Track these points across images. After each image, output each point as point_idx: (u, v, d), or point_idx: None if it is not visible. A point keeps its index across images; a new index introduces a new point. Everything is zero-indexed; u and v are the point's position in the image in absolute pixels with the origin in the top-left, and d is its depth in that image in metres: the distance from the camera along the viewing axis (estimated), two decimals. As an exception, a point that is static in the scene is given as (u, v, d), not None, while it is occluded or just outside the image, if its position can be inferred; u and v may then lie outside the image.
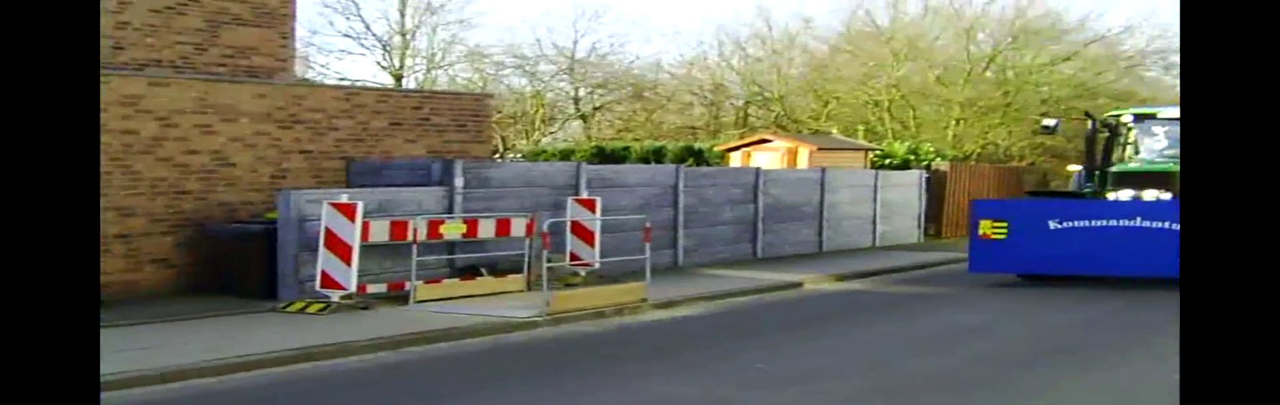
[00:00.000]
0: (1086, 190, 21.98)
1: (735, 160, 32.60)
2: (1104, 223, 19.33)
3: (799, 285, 20.14)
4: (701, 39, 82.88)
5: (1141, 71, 53.82)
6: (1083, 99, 44.35)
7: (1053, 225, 19.47)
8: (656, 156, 34.28)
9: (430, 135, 20.64)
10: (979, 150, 45.09)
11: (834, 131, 40.23)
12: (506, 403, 10.17)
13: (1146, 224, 18.98)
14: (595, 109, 51.12)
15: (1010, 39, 47.82)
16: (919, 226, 30.89)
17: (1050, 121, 23.72)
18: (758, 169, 26.06)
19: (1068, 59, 47.77)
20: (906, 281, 21.44)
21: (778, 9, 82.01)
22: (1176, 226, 18.22)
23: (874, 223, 29.06)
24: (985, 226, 19.81)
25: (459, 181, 18.09)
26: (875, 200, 29.04)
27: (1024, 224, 19.65)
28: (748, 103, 51.20)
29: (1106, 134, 22.46)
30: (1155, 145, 22.14)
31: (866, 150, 35.00)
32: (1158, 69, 54.61)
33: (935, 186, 31.98)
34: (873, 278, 21.96)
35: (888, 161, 34.56)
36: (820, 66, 49.79)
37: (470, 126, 21.43)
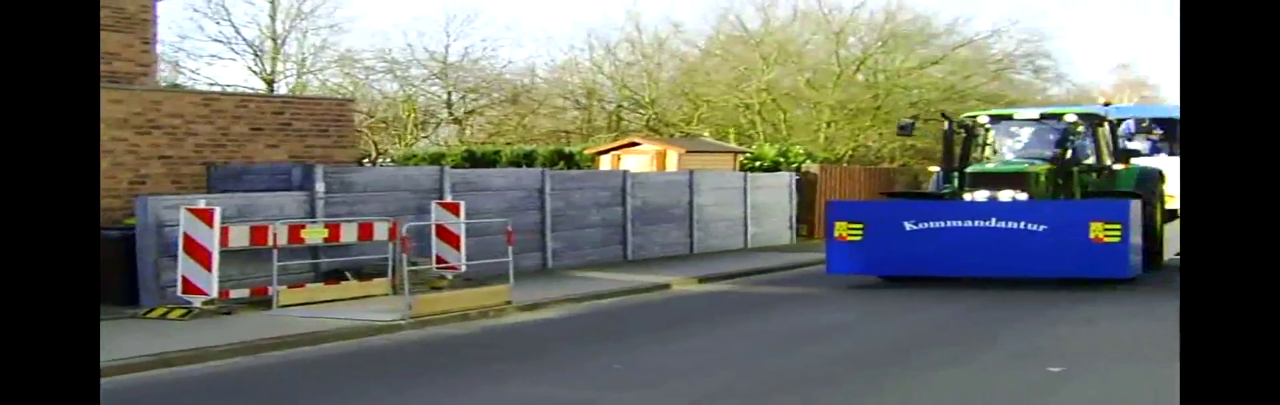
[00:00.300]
0: (945, 191, 21.85)
1: (605, 164, 32.63)
2: (959, 223, 19.22)
3: (666, 287, 20.24)
4: (572, 43, 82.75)
5: (1011, 75, 54.61)
6: (952, 101, 44.79)
7: (908, 226, 19.34)
8: (527, 160, 34.35)
9: (292, 140, 20.51)
10: (850, 152, 45.45)
11: (705, 135, 40.42)
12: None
13: (1001, 224, 18.92)
14: (468, 113, 51.03)
15: (880, 43, 48.26)
16: (790, 228, 31.14)
17: (905, 122, 23.88)
18: (625, 172, 26.13)
19: (936, 62, 48.32)
20: (773, 282, 21.57)
21: (648, 13, 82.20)
22: (1031, 227, 18.70)
23: (745, 224, 29.25)
24: (841, 228, 19.66)
25: (320, 186, 18.01)
26: (745, 202, 29.24)
27: (879, 225, 19.56)
28: (619, 106, 51.31)
29: (963, 135, 22.54)
30: (1012, 146, 22.21)
31: (736, 153, 35.15)
32: (1027, 72, 55.52)
33: (805, 188, 32.23)
34: (740, 279, 22.12)
35: (758, 164, 34.74)
36: (691, 70, 49.99)
37: (333, 131, 21.33)
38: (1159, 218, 22.48)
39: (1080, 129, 21.98)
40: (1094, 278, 18.91)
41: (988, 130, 22.54)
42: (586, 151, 34.66)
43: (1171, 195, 25.13)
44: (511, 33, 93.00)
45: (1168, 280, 20.11)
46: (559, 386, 10.90)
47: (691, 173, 27.78)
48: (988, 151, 22.48)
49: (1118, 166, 22.27)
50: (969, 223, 19.18)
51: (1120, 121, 24.55)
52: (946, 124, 22.67)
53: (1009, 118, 22.61)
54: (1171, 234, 23.82)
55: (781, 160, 35.19)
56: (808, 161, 35.17)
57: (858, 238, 19.56)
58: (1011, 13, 78.14)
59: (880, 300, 18.48)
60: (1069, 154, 21.79)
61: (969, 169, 21.38)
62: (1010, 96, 48.99)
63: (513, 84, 51.55)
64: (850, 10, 48.88)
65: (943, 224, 19.27)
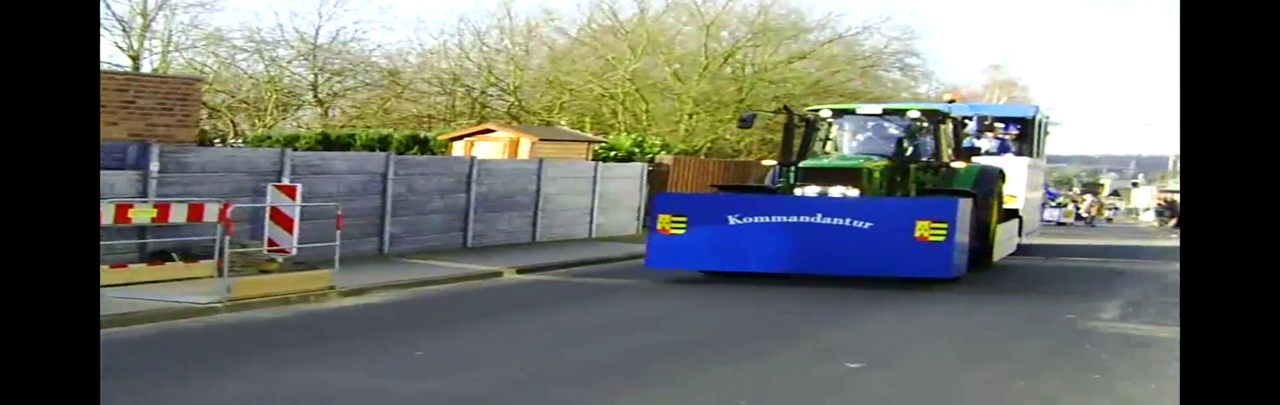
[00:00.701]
0: (778, 186, 21.66)
1: (458, 150, 32.59)
2: (784, 219, 18.86)
3: (498, 275, 20.22)
4: (443, 29, 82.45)
5: (880, 72, 55.26)
6: (816, 97, 45.29)
7: (733, 220, 18.99)
8: (382, 144, 34.18)
9: (134, 118, 20.25)
10: (709, 145, 45.76)
11: (561, 123, 40.48)
12: (135, 387, 9.76)
13: (827, 221, 18.63)
14: (332, 96, 50.65)
15: (750, 36, 48.59)
16: (638, 219, 31.19)
17: (747, 114, 24.00)
18: (472, 158, 26.13)
19: (803, 57, 48.83)
20: (606, 273, 21.59)
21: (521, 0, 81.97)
22: (857, 224, 18.49)
23: (592, 214, 29.34)
24: (664, 221, 19.27)
25: (154, 165, 17.77)
26: (594, 192, 29.33)
27: (703, 219, 19.22)
28: (483, 93, 51.18)
29: (804, 129, 22.39)
30: (853, 141, 22.17)
31: (590, 142, 35.23)
32: (895, 70, 56.24)
33: (657, 179, 32.39)
34: (576, 268, 22.17)
35: (613, 154, 34.89)
36: (558, 58, 50.06)
37: (177, 110, 21.08)
38: (994, 217, 22.74)
39: (923, 126, 21.97)
40: (916, 277, 18.80)
41: (830, 125, 22.47)
42: (441, 137, 34.59)
43: (1012, 195, 25.61)
44: (385, 16, 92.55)
45: (992, 280, 20.45)
46: (351, 373, 10.81)
47: (541, 161, 27.82)
48: (830, 146, 22.39)
49: (957, 164, 22.16)
50: (794, 218, 18.85)
51: (966, 119, 24.66)
52: (788, 117, 22.64)
53: (851, 112, 22.64)
54: (1008, 234, 24.37)
55: (636, 151, 35.36)
56: (662, 153, 35.36)
57: (681, 231, 19.18)
58: (883, 10, 78.91)
59: (703, 293, 18.60)
60: (909, 151, 21.82)
61: (802, 163, 21.17)
62: (874, 93, 49.56)
63: (381, 67, 51.28)
64: (724, 3, 49.22)
65: (767, 219, 18.92)
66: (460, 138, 33.43)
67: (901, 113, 22.35)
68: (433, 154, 32.76)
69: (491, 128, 34.11)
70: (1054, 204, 56.86)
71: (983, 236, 21.64)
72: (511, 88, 49.22)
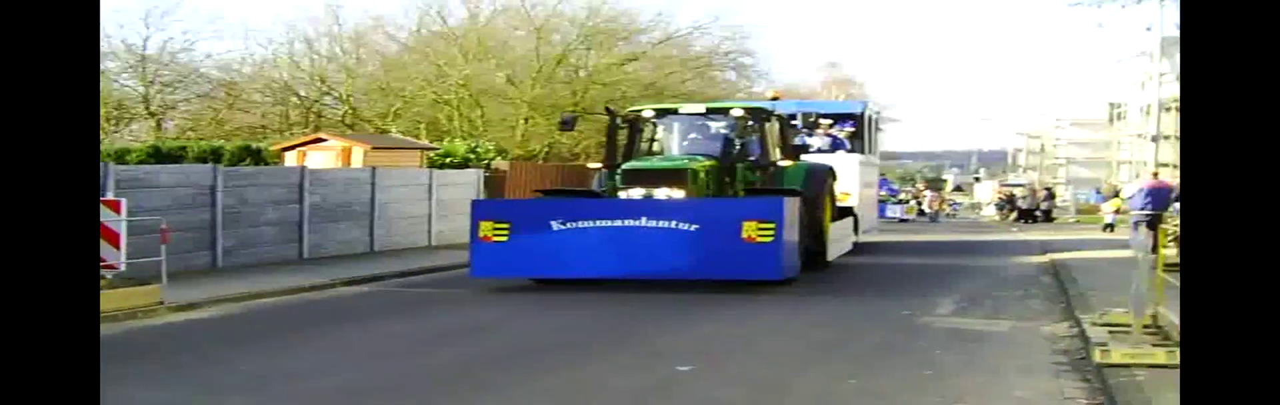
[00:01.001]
0: (605, 189, 21.33)
1: (290, 160, 32.26)
2: (609, 223, 18.55)
3: (332, 286, 20.01)
4: (272, 37, 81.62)
5: (714, 72, 55.60)
6: (651, 98, 45.39)
7: (556, 226, 18.63)
8: (215, 156, 33.72)
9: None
10: (547, 149, 45.79)
11: (395, 131, 40.25)
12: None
13: (652, 224, 18.34)
14: (165, 108, 49.87)
15: (581, 39, 48.64)
16: (478, 225, 31.07)
17: (567, 116, 23.79)
18: (303, 168, 25.91)
19: (635, 59, 48.94)
20: (442, 282, 21.41)
21: (349, 7, 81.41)
22: (683, 226, 18.25)
23: (430, 222, 29.23)
24: (486, 228, 18.87)
25: (-31, 184, 17.40)
26: (431, 199, 29.21)
27: (526, 225, 18.85)
28: (316, 102, 50.70)
29: (628, 130, 22.20)
30: (678, 142, 21.96)
31: (424, 149, 35.09)
32: (729, 70, 56.62)
33: (495, 185, 32.34)
34: (412, 277, 22.04)
35: (448, 160, 34.75)
36: (390, 65, 49.75)
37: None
38: (827, 216, 22.72)
39: (748, 124, 21.77)
40: (746, 279, 18.42)
41: (654, 125, 22.24)
42: (273, 148, 34.24)
43: (845, 193, 25.68)
44: (214, 26, 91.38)
45: (828, 279, 20.56)
46: (164, 390, 10.59)
47: (373, 169, 27.66)
48: (656, 147, 22.18)
49: (784, 163, 21.97)
50: (619, 222, 18.56)
51: (793, 117, 24.82)
52: (610, 119, 22.49)
53: (674, 112, 22.33)
54: (843, 232, 24.42)
55: (472, 157, 35.26)
56: (498, 158, 35.30)
57: (504, 238, 18.82)
58: (713, 9, 79.26)
59: (533, 300, 18.45)
60: (736, 150, 21.64)
61: (625, 166, 20.86)
62: (710, 93, 49.87)
63: (211, 78, 50.62)
64: (552, 6, 49.21)
65: (592, 224, 18.60)
66: (293, 148, 33.11)
67: (725, 111, 22.12)
68: (266, 165, 32.40)
69: (324, 137, 33.85)
70: (895, 201, 57.35)
71: (816, 236, 21.49)
72: (344, 96, 48.84)
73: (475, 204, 20.74)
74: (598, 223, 18.64)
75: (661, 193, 19.88)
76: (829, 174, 23.37)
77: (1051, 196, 62.28)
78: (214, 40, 64.08)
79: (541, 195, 22.55)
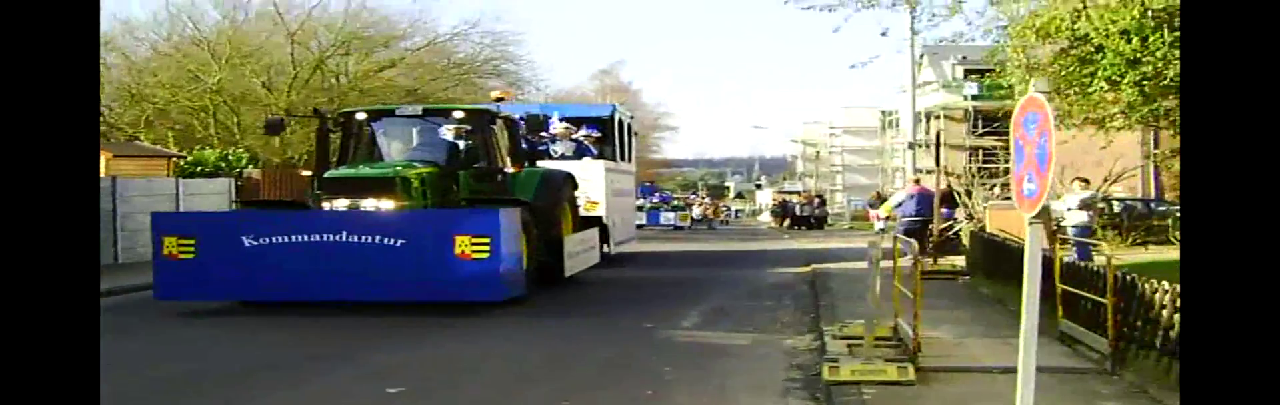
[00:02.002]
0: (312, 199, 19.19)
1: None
2: (306, 238, 16.38)
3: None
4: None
5: (478, 79, 54.96)
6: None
7: (248, 242, 16.44)
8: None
9: None
10: (306, 155, 44.78)
11: (139, 138, 38.96)
12: None
13: (354, 239, 16.24)
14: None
15: (338, 44, 47.75)
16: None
17: (274, 119, 21.62)
18: None
19: (392, 66, 48.14)
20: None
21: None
22: (388, 241, 16.25)
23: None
24: (170, 244, 16.56)
25: None
26: (178, 209, 28.03)
27: (214, 241, 16.63)
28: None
29: (341, 133, 20.15)
30: (396, 147, 20.10)
31: (173, 157, 33.94)
32: (490, 77, 55.97)
33: (247, 194, 31.39)
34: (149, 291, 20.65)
35: (199, 169, 33.60)
36: (140, 71, 48.25)
37: None
38: (566, 226, 21.20)
39: (471, 127, 19.63)
40: (462, 301, 16.32)
41: (369, 128, 20.12)
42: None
43: (593, 201, 24.56)
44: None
45: (564, 295, 19.43)
46: None
47: (114, 179, 26.49)
48: (374, 153, 20.04)
49: (510, 169, 20.06)
50: (317, 237, 16.40)
51: (535, 120, 23.34)
52: (320, 121, 20.40)
53: (390, 114, 20.36)
54: (585, 245, 22.38)
55: (223, 165, 34.14)
56: (251, 167, 34.22)
57: (190, 256, 16.55)
58: (472, 15, 78.55)
59: (245, 319, 16.71)
60: (461, 155, 19.59)
61: (327, 174, 18.91)
62: (473, 98, 49.33)
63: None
64: (308, 10, 48.21)
65: (287, 239, 16.42)
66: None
67: (446, 113, 19.95)
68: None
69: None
70: (669, 208, 56.98)
71: (552, 249, 19.61)
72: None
73: (156, 217, 18.26)
74: (294, 238, 16.45)
75: (368, 203, 17.88)
76: (567, 181, 21.75)
77: (823, 203, 62.99)
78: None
79: (242, 206, 20.67)
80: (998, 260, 18.77)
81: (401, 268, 16.04)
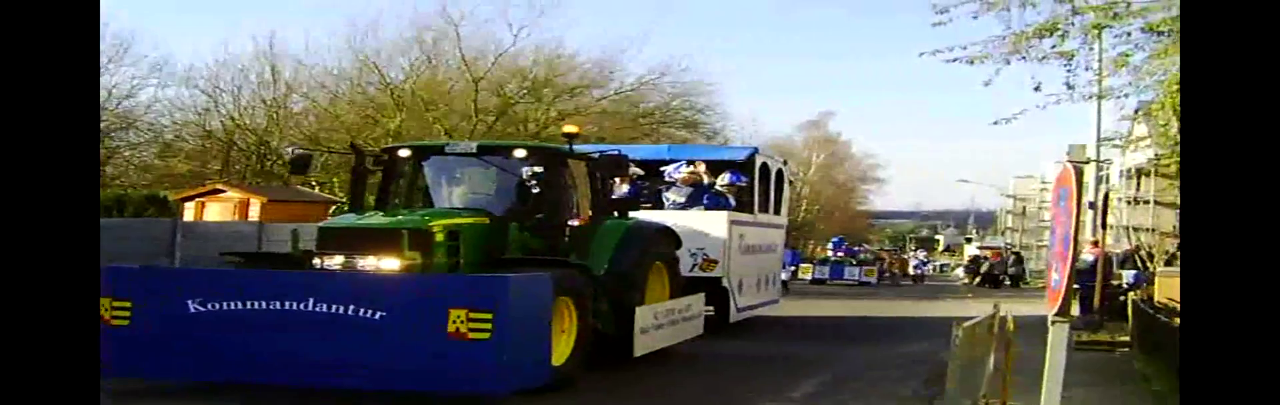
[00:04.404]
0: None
1: (190, 210, 31.03)
2: (265, 305, 12.57)
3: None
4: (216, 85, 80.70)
5: (666, 128, 54.49)
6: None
7: (194, 307, 12.59)
8: (118, 206, 32.48)
9: None
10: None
11: (315, 183, 39.12)
12: None
13: (322, 307, 12.38)
14: (107, 155, 48.66)
15: (525, 91, 47.64)
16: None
17: (300, 152, 18.64)
18: (174, 221, 24.84)
19: (577, 113, 47.84)
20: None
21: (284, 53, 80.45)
22: (366, 313, 12.25)
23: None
24: (105, 306, 12.62)
25: None
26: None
27: (154, 304, 12.85)
28: (247, 151, 49.69)
29: (382, 175, 16.87)
30: (446, 191, 16.98)
31: (328, 202, 33.87)
32: (681, 127, 55.42)
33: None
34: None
35: (360, 216, 33.44)
36: (321, 114, 48.76)
37: None
38: (658, 292, 17.79)
39: (536, 171, 15.86)
40: (452, 391, 12.57)
41: (416, 169, 17.04)
42: (174, 198, 33.01)
43: (712, 260, 21.20)
44: (158, 74, 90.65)
45: (612, 383, 15.08)
46: None
47: (260, 224, 26.35)
48: (417, 197, 16.93)
49: (575, 222, 16.50)
50: (277, 304, 12.59)
51: (609, 162, 16.77)
52: (357, 158, 16.97)
53: (438, 151, 16.85)
54: (681, 314, 18.02)
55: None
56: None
57: (124, 322, 12.77)
58: (660, 65, 77.40)
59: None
60: (523, 204, 16.22)
61: (322, 223, 16.21)
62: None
63: (157, 126, 49.62)
64: (494, 58, 48.14)
65: (241, 305, 12.64)
66: (191, 198, 31.87)
67: (507, 151, 16.31)
68: (170, 216, 31.03)
69: (221, 187, 32.60)
70: (855, 262, 54.96)
71: (624, 320, 15.83)
72: (275, 147, 47.83)
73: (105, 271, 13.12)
74: (248, 304, 12.67)
75: (369, 263, 14.28)
76: (661, 237, 17.94)
77: (1020, 260, 60.79)
78: (156, 88, 61.09)
79: (227, 259, 15.88)
80: (1154, 332, 17.42)
81: (378, 347, 12.30)
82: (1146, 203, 53.56)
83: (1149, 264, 31.19)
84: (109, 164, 48.65)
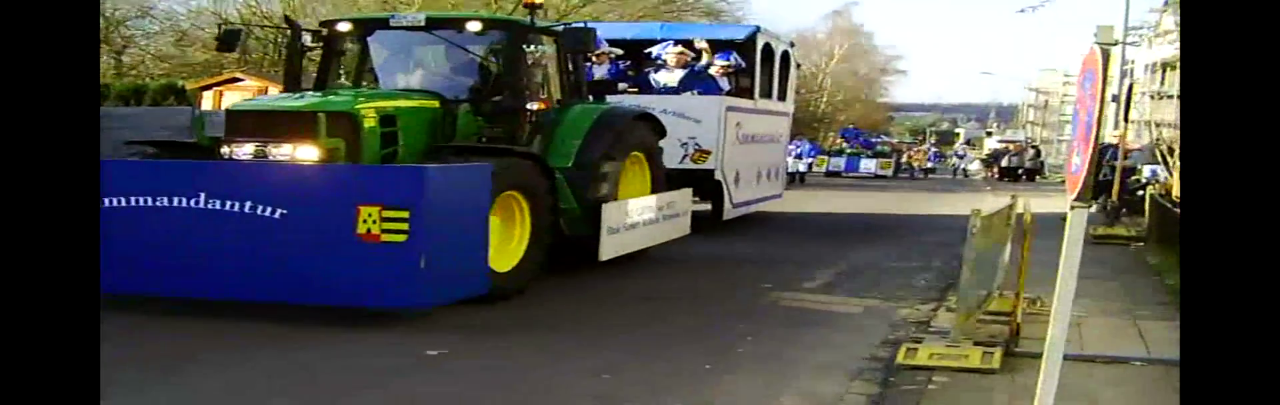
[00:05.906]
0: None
1: (208, 99, 30.93)
2: (151, 201, 10.77)
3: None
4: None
5: (687, 16, 53.92)
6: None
7: (107, 202, 10.70)
8: (136, 96, 32.38)
9: None
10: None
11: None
12: None
13: (214, 204, 10.63)
14: (124, 45, 48.42)
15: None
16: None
17: (232, 28, 15.44)
18: (194, 109, 24.99)
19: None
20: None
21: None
22: (264, 211, 10.50)
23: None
24: None
25: None
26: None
27: None
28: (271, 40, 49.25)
29: (318, 49, 14.85)
30: (393, 69, 14.86)
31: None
32: (702, 14, 54.82)
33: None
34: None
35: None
36: (339, 0, 48.36)
37: None
38: (638, 186, 16.03)
39: (497, 47, 14.24)
40: (359, 305, 10.86)
41: (356, 46, 14.99)
42: (191, 87, 32.81)
43: (705, 151, 19.48)
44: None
45: (560, 292, 13.31)
46: None
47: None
48: (368, 78, 14.90)
49: (534, 105, 14.24)
50: (167, 200, 10.76)
51: (573, 36, 14.27)
52: (293, 33, 14.67)
53: (384, 25, 14.58)
54: (661, 211, 16.16)
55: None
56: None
57: None
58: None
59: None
60: (484, 84, 14.25)
61: (232, 105, 14.13)
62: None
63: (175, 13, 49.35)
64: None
65: (135, 201, 10.81)
66: (209, 87, 31.73)
67: (459, 24, 13.97)
68: (188, 104, 30.91)
69: (239, 76, 32.43)
70: (870, 154, 54.28)
71: (589, 218, 14.09)
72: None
73: None
74: (141, 200, 10.85)
75: (283, 152, 12.17)
76: (643, 124, 15.87)
77: (1038, 154, 60.36)
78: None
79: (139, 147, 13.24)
80: (1168, 226, 17.37)
81: (276, 251, 10.58)
82: (1170, 97, 53.19)
83: (1169, 158, 31.00)
84: (125, 54, 48.54)
